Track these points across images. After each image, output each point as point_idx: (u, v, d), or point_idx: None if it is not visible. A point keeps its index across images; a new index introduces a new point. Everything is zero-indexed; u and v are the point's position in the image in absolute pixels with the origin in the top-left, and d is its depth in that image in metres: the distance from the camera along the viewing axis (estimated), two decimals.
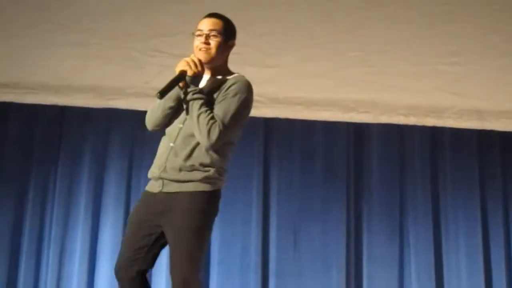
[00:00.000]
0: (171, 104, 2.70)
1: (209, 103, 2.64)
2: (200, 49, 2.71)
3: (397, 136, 4.81)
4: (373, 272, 4.66)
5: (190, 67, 2.62)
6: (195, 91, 2.64)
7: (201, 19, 2.79)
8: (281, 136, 4.76)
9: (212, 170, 2.63)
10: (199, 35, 2.74)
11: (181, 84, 2.65)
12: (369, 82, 4.73)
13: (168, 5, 4.76)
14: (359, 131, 4.80)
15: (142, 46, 4.60)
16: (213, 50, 2.72)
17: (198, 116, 2.59)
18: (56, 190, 4.60)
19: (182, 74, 2.62)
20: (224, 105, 2.64)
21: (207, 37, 2.72)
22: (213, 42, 2.73)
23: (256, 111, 4.58)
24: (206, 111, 2.60)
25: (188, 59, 2.65)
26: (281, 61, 4.71)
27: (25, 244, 4.53)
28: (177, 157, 2.66)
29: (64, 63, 4.64)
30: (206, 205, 2.65)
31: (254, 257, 4.60)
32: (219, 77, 2.77)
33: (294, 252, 4.65)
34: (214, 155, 2.65)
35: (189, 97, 2.63)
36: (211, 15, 2.81)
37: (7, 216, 4.56)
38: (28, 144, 4.66)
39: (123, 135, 4.68)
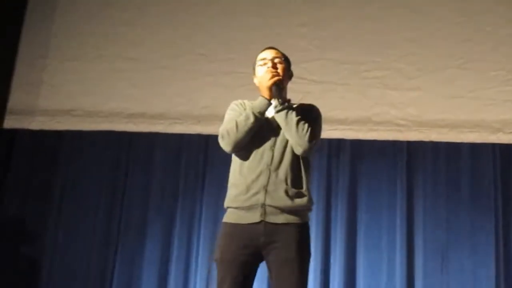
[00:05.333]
0: (261, 118, 2.74)
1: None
2: (271, 73, 2.76)
3: None
4: None
5: (278, 75, 2.75)
6: (288, 103, 2.79)
7: (262, 51, 2.92)
8: (425, 159, 4.67)
9: (308, 197, 2.72)
10: (264, 64, 2.84)
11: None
12: None
13: (305, 32, 4.80)
14: (506, 152, 4.64)
15: None
16: (281, 73, 2.80)
17: (298, 122, 2.70)
18: (202, 218, 4.67)
19: (278, 83, 2.74)
20: (312, 121, 2.75)
21: (273, 63, 2.82)
22: (279, 66, 2.83)
23: (399, 135, 4.62)
24: (301, 119, 2.70)
25: (269, 70, 2.76)
26: (423, 83, 4.68)
27: (173, 272, 4.61)
28: (280, 181, 2.68)
29: (206, 92, 4.76)
30: (308, 237, 2.73)
31: (399, 284, 4.51)
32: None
33: (442, 276, 4.54)
34: (306, 180, 2.74)
35: (284, 106, 2.74)
36: (270, 47, 2.92)
37: (155, 244, 4.67)
38: (174, 173, 4.77)
39: None
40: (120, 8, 5.02)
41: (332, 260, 4.55)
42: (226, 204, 2.79)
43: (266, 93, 2.75)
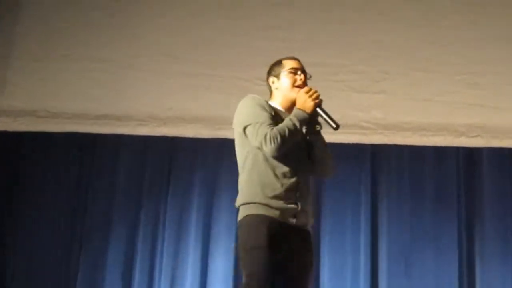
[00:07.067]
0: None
1: None
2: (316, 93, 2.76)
3: (509, 159, 4.67)
4: None
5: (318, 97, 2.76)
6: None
7: (289, 59, 2.91)
8: (389, 162, 4.69)
9: None
10: (295, 73, 2.85)
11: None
12: (478, 105, 4.65)
13: (273, 34, 4.77)
14: (469, 155, 4.68)
15: (249, 75, 4.56)
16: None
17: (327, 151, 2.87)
18: (167, 221, 4.64)
19: (320, 104, 2.76)
20: None
21: (305, 76, 2.88)
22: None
23: (363, 138, 4.63)
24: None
25: (314, 90, 2.76)
26: (388, 86, 4.67)
27: (136, 275, 4.58)
28: (307, 195, 2.75)
29: (172, 93, 4.71)
30: None
31: (363, 286, 4.54)
32: None
33: (405, 280, 4.56)
34: None
35: (319, 128, 2.79)
36: (296, 58, 2.95)
37: (119, 247, 4.64)
38: (139, 176, 4.73)
39: (232, 164, 4.66)
40: (86, 8, 4.94)
41: None
42: (257, 199, 2.64)
43: (309, 109, 2.71)
